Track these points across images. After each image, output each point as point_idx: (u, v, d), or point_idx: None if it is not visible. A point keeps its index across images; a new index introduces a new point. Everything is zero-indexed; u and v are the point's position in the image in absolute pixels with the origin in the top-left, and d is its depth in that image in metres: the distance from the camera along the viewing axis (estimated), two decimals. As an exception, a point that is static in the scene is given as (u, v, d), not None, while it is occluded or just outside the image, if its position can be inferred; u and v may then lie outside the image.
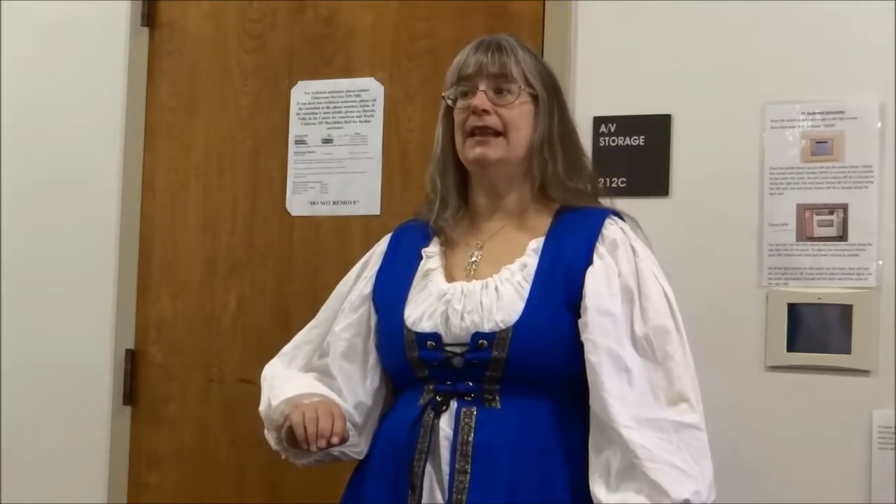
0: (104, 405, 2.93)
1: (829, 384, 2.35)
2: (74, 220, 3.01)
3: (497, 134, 1.97)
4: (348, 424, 1.97)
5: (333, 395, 2.01)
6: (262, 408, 2.04)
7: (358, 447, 2.03)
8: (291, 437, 1.93)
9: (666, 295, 1.93)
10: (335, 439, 1.88)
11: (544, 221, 2.00)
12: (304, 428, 1.88)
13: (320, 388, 2.02)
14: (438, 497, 1.87)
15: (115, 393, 2.93)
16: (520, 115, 1.98)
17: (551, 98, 2.02)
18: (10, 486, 3.00)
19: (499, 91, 1.98)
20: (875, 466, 2.31)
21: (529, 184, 2.02)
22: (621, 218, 2.02)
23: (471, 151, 1.98)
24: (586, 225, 1.97)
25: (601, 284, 1.89)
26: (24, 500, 2.97)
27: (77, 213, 3.01)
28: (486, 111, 1.96)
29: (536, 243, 1.96)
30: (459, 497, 1.84)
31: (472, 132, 1.98)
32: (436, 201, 2.06)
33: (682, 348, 1.90)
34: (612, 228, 1.97)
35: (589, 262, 1.92)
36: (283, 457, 2.05)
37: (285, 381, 2.04)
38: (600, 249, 1.93)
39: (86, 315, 2.98)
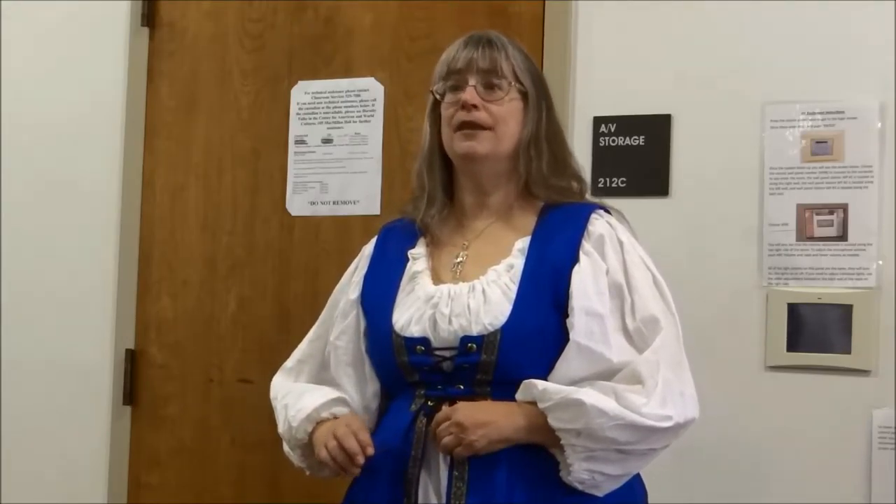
0: (104, 405, 2.93)
1: (829, 384, 2.35)
2: (74, 220, 3.01)
3: (485, 129, 1.95)
4: None
5: (347, 398, 2.00)
6: (281, 430, 2.02)
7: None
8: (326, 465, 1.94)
9: (655, 281, 1.93)
10: (370, 450, 1.88)
11: (530, 220, 1.99)
12: (335, 460, 1.88)
13: (334, 395, 2.00)
14: (434, 502, 1.86)
15: (115, 393, 2.93)
16: (508, 111, 1.96)
17: (539, 96, 2.01)
18: (10, 486, 3.00)
19: (488, 86, 1.96)
20: (875, 466, 2.31)
21: (515, 181, 2.01)
22: (607, 211, 2.00)
23: (459, 145, 1.97)
24: (572, 222, 1.96)
25: (588, 284, 1.88)
26: (24, 500, 2.97)
27: (77, 213, 3.01)
28: (475, 106, 1.94)
29: (522, 243, 1.95)
30: (457, 503, 1.83)
31: (461, 126, 1.96)
32: (422, 198, 2.04)
33: (665, 334, 1.87)
34: (597, 223, 1.95)
35: (575, 260, 1.91)
36: (308, 473, 2.04)
37: (300, 397, 2.02)
38: (586, 246, 1.92)
39: (86, 315, 2.98)
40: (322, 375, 2.08)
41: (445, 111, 2.00)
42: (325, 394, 2.00)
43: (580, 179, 2.06)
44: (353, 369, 2.03)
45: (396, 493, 1.87)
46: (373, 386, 2.03)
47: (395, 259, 2.03)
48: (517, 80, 1.97)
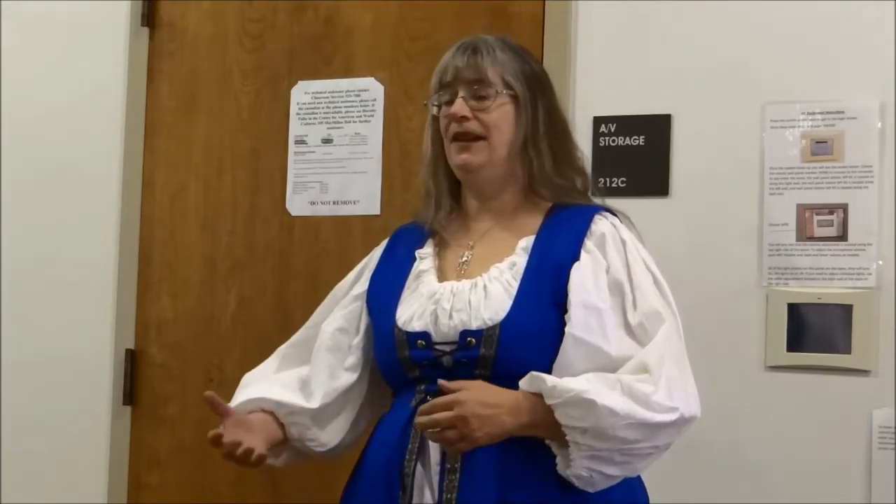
0: (104, 405, 2.93)
1: (829, 384, 2.35)
2: (74, 220, 3.01)
3: (478, 138, 1.98)
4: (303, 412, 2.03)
5: (278, 399, 2.04)
6: None
7: (316, 440, 2.04)
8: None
9: (656, 281, 1.94)
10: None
11: (535, 220, 2.01)
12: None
13: (262, 394, 2.06)
14: (428, 497, 1.87)
15: (115, 393, 2.93)
16: (500, 116, 1.99)
17: (534, 95, 2.02)
18: (10, 486, 3.00)
19: (476, 96, 1.99)
20: (875, 466, 2.31)
21: (518, 183, 2.03)
22: (612, 213, 2.02)
23: (455, 158, 2.01)
24: (575, 222, 1.97)
25: (587, 279, 1.90)
26: (24, 500, 2.97)
27: (77, 212, 3.01)
28: (465, 117, 1.98)
29: (526, 242, 1.97)
30: (449, 496, 1.84)
31: (455, 138, 2.00)
32: (430, 203, 2.08)
33: (668, 328, 1.88)
34: (600, 224, 1.97)
35: (576, 257, 1.92)
36: None
37: (242, 390, 2.12)
38: (588, 245, 1.94)
39: (86, 315, 2.98)
40: (306, 358, 2.11)
41: (441, 124, 2.04)
42: (258, 391, 2.08)
43: (583, 173, 2.07)
44: (330, 354, 2.07)
45: (393, 486, 1.88)
46: (347, 380, 2.05)
47: (404, 259, 2.07)
48: (505, 84, 1.99)
